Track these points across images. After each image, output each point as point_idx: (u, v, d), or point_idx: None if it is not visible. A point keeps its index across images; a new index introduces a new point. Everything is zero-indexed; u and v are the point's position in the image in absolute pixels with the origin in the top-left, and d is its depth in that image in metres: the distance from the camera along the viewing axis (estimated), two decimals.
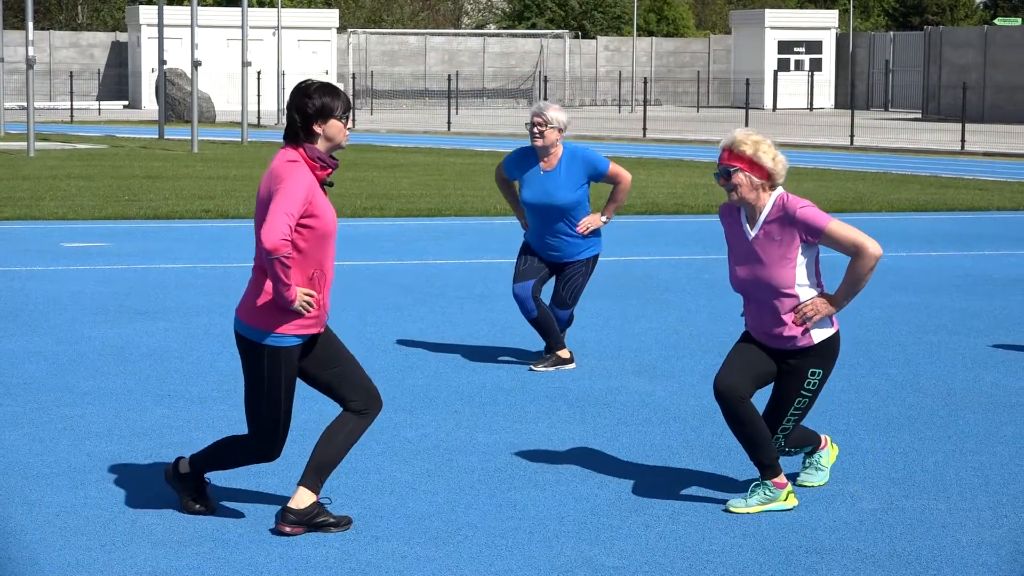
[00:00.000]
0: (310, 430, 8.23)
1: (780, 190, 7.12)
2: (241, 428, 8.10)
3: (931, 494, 7.47)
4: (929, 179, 29.39)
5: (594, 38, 77.82)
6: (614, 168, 10.46)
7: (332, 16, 67.32)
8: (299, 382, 6.84)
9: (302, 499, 6.69)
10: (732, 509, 7.12)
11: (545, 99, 56.84)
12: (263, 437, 6.72)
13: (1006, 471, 7.92)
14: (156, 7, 48.89)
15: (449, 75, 55.67)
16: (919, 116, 61.10)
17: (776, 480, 7.12)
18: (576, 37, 77.44)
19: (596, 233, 10.53)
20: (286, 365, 6.62)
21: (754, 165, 7.03)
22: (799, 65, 71.23)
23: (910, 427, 8.90)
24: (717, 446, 8.37)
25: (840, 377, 9.97)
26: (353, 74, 59.48)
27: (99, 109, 60.05)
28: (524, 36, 75.87)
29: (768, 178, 7.06)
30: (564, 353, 10.57)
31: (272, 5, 68.42)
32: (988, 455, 8.25)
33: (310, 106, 6.57)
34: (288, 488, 7.26)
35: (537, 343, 11.27)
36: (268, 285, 6.55)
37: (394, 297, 13.84)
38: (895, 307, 13.44)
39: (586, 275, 10.57)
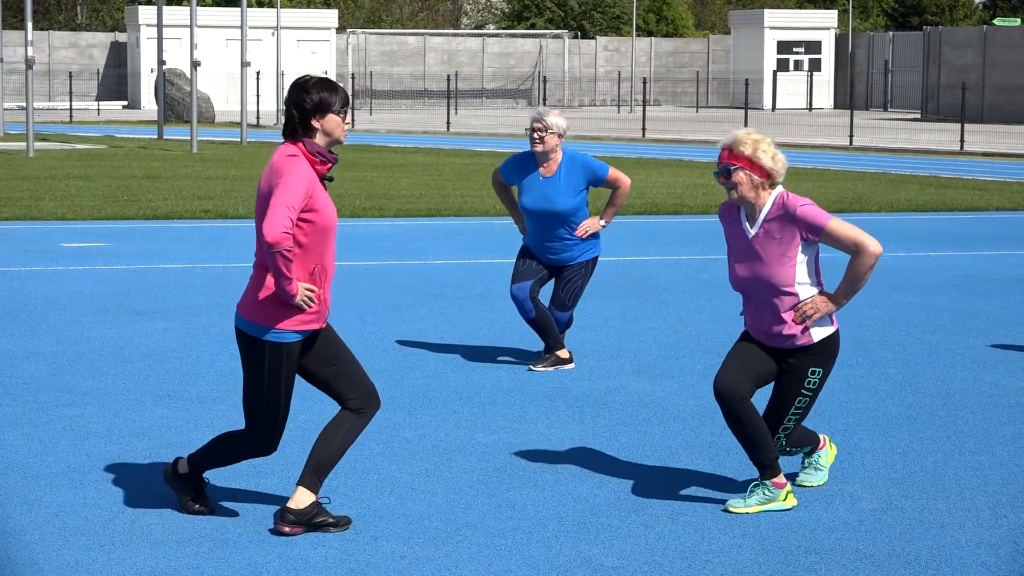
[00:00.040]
0: (310, 430, 8.23)
1: (780, 189, 7.13)
2: (240, 428, 8.08)
3: (930, 494, 7.46)
4: (928, 179, 29.39)
5: (593, 38, 77.84)
6: (613, 173, 10.46)
7: (331, 16, 67.34)
8: (298, 378, 6.84)
9: (301, 499, 6.69)
10: (731, 509, 7.12)
11: (544, 99, 56.97)
12: (261, 431, 6.72)
13: (1005, 471, 7.91)
14: (155, 7, 48.94)
15: (448, 75, 55.68)
16: (918, 116, 61.11)
17: (775, 480, 7.12)
18: (575, 37, 77.46)
19: (595, 235, 10.54)
20: (287, 361, 6.62)
21: (754, 164, 7.04)
22: (798, 65, 71.26)
23: (909, 427, 8.90)
24: (716, 446, 8.37)
25: (839, 377, 9.97)
26: (352, 74, 59.51)
27: (98, 109, 60.05)
28: (523, 36, 75.88)
29: (768, 176, 7.07)
30: (563, 353, 10.57)
31: (271, 5, 68.44)
32: (987, 455, 8.24)
33: (308, 101, 6.58)
34: (287, 488, 7.26)
35: (536, 343, 11.26)
36: (269, 281, 6.55)
37: (393, 297, 13.83)
38: (894, 307, 13.43)
39: (585, 277, 10.57)
